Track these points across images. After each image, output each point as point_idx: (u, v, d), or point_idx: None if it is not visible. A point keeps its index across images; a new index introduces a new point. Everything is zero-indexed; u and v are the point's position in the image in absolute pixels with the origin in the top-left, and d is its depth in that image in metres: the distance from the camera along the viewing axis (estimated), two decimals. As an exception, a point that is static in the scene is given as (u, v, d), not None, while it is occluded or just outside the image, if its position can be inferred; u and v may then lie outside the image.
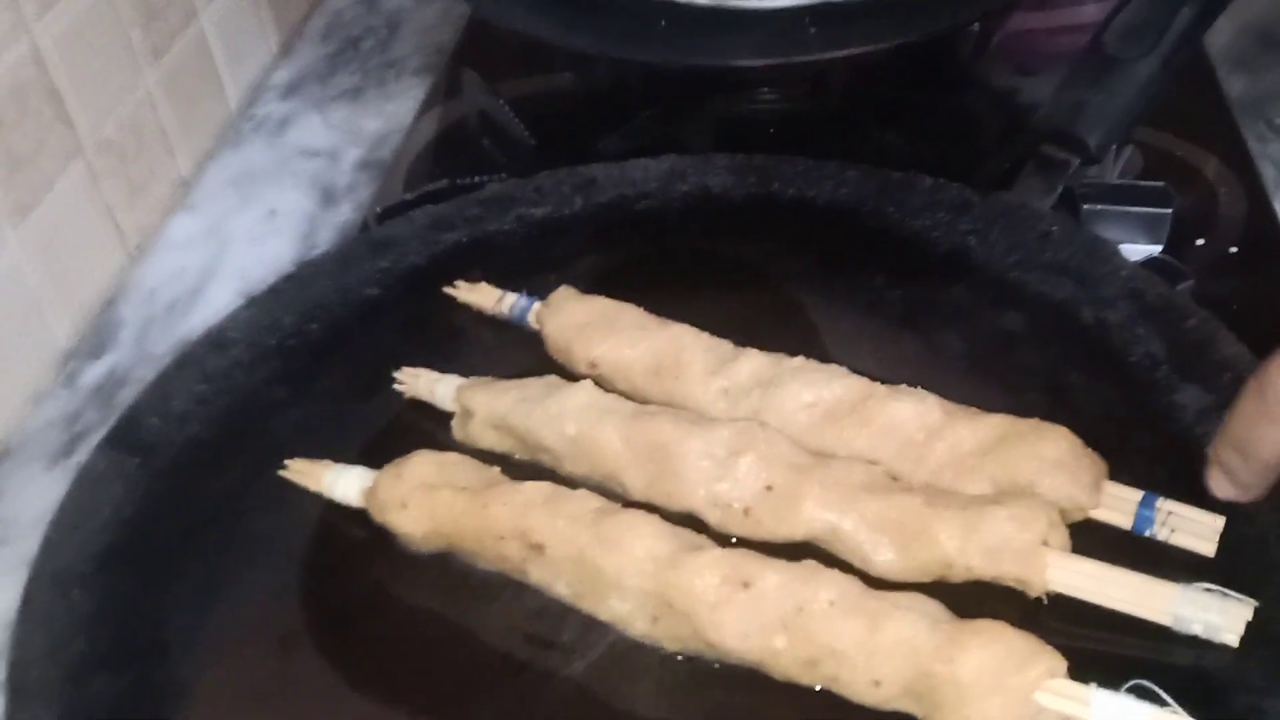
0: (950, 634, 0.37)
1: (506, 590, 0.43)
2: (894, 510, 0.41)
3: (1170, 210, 0.57)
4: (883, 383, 0.45)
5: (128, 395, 0.55)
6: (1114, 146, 0.58)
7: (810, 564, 0.40)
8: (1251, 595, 0.38)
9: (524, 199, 0.59)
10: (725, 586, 0.39)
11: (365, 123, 0.74)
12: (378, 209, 0.61)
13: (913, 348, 0.51)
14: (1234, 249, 0.58)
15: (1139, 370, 0.47)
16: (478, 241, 0.58)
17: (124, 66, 0.65)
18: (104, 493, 0.47)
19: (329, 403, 0.51)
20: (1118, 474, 0.42)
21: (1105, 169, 0.59)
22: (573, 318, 0.50)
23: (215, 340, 0.53)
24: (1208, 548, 0.40)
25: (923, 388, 0.45)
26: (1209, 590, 0.38)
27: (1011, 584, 0.40)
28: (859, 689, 0.38)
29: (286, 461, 0.47)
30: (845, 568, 0.40)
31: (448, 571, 0.44)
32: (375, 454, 0.46)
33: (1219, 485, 0.40)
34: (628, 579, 0.40)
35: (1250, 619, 0.38)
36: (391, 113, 0.75)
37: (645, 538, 0.41)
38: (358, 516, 0.45)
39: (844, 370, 0.46)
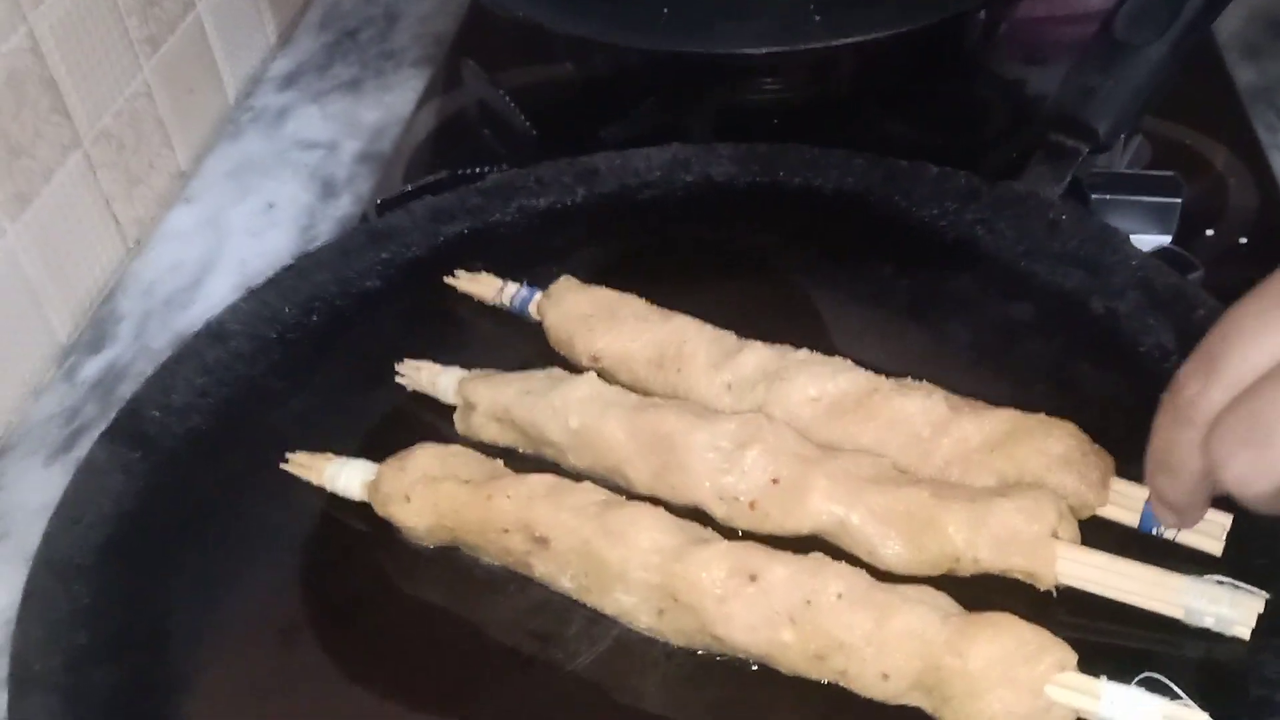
0: (960, 626, 0.37)
1: (510, 584, 0.43)
2: (902, 503, 0.40)
3: (1180, 200, 0.56)
4: (889, 375, 0.45)
5: (127, 389, 0.55)
6: (1122, 136, 0.57)
7: (818, 556, 0.40)
8: (1262, 587, 0.38)
9: (525, 189, 0.58)
10: (732, 579, 0.39)
11: (364, 114, 0.74)
12: (378, 200, 0.61)
13: (920, 338, 0.51)
14: (1244, 239, 0.58)
15: (1149, 360, 0.47)
16: (478, 232, 0.57)
17: (121, 56, 0.65)
18: (105, 485, 0.46)
19: (330, 395, 0.51)
20: (1127, 465, 0.42)
21: (1113, 159, 0.59)
22: (574, 308, 0.50)
23: (215, 332, 0.52)
24: (1214, 545, 0.40)
25: (930, 379, 0.45)
26: (1220, 583, 0.38)
27: (1020, 577, 0.40)
28: (868, 682, 0.38)
29: (288, 454, 0.47)
30: (852, 561, 0.40)
31: (451, 565, 0.44)
32: (377, 447, 0.46)
33: (1161, 515, 0.39)
34: (633, 572, 0.40)
35: (1262, 611, 0.37)
36: (390, 104, 0.74)
37: (651, 530, 0.40)
38: (359, 509, 0.45)
39: (849, 363, 0.46)
